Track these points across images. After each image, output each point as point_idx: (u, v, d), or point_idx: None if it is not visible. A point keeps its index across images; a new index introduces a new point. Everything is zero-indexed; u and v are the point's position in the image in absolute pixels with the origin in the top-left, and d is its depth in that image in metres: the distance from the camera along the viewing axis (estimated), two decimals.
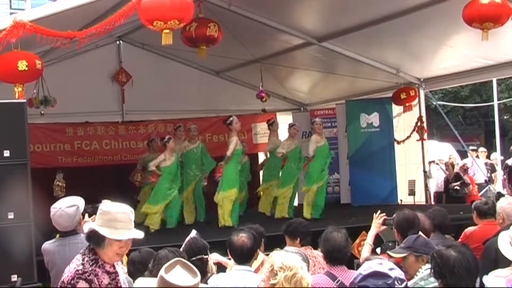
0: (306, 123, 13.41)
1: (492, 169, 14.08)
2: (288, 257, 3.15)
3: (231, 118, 9.80)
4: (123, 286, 3.38)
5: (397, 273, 2.83)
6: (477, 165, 13.59)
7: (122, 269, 3.55)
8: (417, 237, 4.12)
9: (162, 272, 2.80)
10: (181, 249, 4.41)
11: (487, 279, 3.47)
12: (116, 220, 3.27)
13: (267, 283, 3.09)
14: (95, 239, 3.28)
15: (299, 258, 3.23)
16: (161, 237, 8.61)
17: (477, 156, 14.31)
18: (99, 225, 3.27)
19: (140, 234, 3.37)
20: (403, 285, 2.89)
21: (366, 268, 2.83)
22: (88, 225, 3.37)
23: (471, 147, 14.93)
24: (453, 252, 3.01)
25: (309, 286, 3.13)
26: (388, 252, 4.09)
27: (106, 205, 3.34)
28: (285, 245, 5.05)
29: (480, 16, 7.10)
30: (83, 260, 3.27)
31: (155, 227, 9.49)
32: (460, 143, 14.16)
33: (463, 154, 16.03)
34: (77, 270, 3.21)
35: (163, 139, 10.01)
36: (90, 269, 3.23)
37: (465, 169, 13.40)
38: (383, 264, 2.87)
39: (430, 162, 13.21)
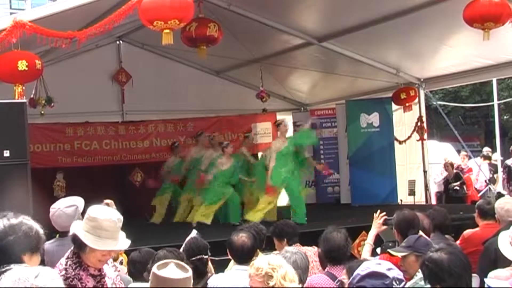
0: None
1: (495, 169, 14.06)
2: (273, 258, 3.23)
3: (282, 118, 10.09)
4: (111, 287, 3.35)
5: (395, 273, 2.83)
6: (482, 172, 13.54)
7: (112, 268, 3.50)
8: (418, 237, 4.14)
9: (154, 269, 2.81)
10: (181, 249, 4.41)
11: (491, 281, 3.48)
12: (101, 228, 3.17)
13: (263, 287, 3.10)
14: (78, 244, 3.21)
15: (294, 257, 3.27)
16: (161, 237, 8.62)
17: (488, 158, 14.24)
18: (84, 230, 3.18)
19: (124, 245, 3.29)
20: (402, 285, 2.88)
21: (364, 268, 2.83)
22: (75, 225, 3.29)
23: (484, 152, 14.80)
24: (444, 254, 3.03)
25: (297, 281, 3.20)
26: (389, 250, 4.10)
27: (94, 211, 3.24)
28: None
29: (481, 16, 7.10)
30: (66, 264, 3.22)
31: (209, 221, 9.70)
32: (460, 143, 14.16)
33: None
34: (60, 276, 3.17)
35: (221, 144, 10.39)
36: (73, 273, 3.18)
37: (460, 170, 13.41)
38: (381, 264, 2.87)
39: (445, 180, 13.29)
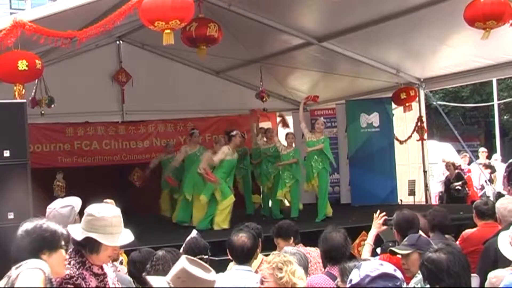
0: (307, 123, 13.41)
1: (492, 169, 14.07)
2: (285, 256, 3.31)
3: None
4: (112, 286, 3.36)
5: (400, 274, 2.84)
6: (483, 174, 13.54)
7: (111, 268, 3.52)
8: (419, 235, 4.15)
9: (184, 265, 2.76)
10: (182, 249, 4.41)
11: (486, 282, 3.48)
12: (112, 225, 3.23)
13: (273, 279, 3.16)
14: (91, 246, 3.23)
15: (293, 258, 3.33)
16: (161, 237, 8.62)
17: (490, 167, 14.23)
18: (92, 232, 3.20)
19: (131, 237, 3.35)
20: (404, 285, 2.88)
21: (372, 269, 2.81)
22: (73, 228, 3.28)
23: (480, 152, 14.81)
24: (443, 254, 3.03)
25: (305, 281, 3.29)
26: (393, 249, 4.10)
27: (98, 210, 3.26)
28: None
29: (484, 15, 7.09)
30: (69, 263, 3.22)
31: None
32: (460, 143, 14.16)
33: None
34: (64, 275, 3.15)
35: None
36: (78, 272, 3.19)
37: (460, 170, 13.40)
38: (383, 265, 2.87)
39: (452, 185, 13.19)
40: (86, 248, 3.25)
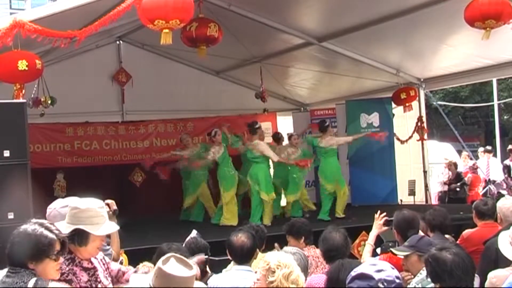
0: (306, 123, 13.43)
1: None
2: (284, 256, 3.25)
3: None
4: (103, 280, 3.38)
5: (384, 275, 2.80)
6: (480, 165, 13.53)
7: (100, 262, 3.51)
8: (421, 237, 4.15)
9: (159, 264, 2.82)
10: None
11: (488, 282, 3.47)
12: (97, 215, 3.30)
13: (264, 282, 3.12)
14: (79, 239, 3.27)
15: (293, 257, 3.29)
16: (161, 237, 8.60)
17: (489, 152, 14.20)
18: (77, 224, 3.26)
19: (116, 227, 3.48)
20: (393, 285, 2.86)
21: (356, 270, 2.86)
22: (60, 224, 3.28)
23: (487, 147, 14.80)
24: (448, 254, 3.03)
25: (304, 285, 3.22)
26: (392, 250, 4.10)
27: (80, 203, 3.34)
28: (286, 244, 5.05)
29: (482, 14, 7.11)
30: None
31: None
32: (460, 143, 14.16)
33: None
34: None
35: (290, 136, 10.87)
36: (68, 269, 3.22)
37: (474, 168, 13.39)
38: (376, 265, 2.87)
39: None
40: (74, 242, 3.27)
